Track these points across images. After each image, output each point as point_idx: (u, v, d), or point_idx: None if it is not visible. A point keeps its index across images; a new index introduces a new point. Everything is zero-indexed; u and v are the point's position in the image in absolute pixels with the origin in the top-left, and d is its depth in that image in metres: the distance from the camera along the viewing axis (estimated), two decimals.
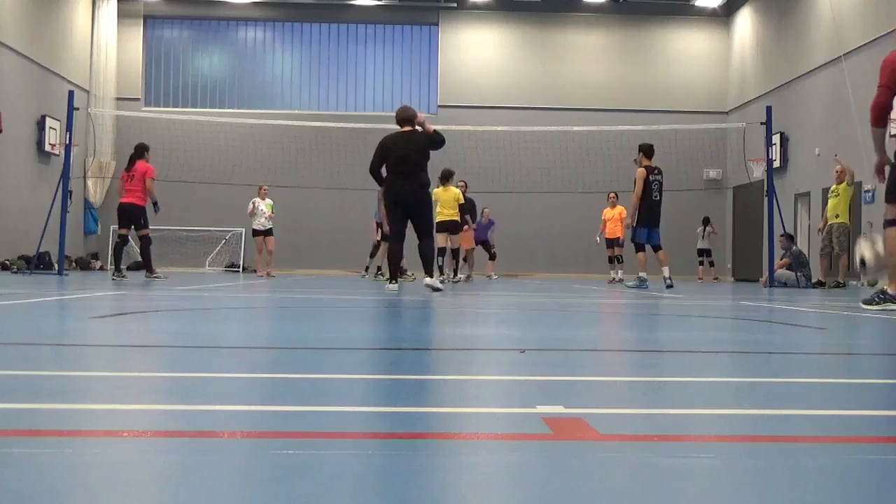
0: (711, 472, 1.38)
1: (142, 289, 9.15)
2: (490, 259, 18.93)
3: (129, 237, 12.64)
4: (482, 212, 18.56)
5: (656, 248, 12.61)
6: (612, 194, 18.17)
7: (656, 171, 12.40)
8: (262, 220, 17.83)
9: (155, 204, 12.38)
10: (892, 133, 17.47)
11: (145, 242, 12.41)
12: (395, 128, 9.07)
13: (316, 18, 26.60)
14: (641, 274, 12.52)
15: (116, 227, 12.93)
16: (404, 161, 8.99)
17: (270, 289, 10.22)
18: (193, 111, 24.85)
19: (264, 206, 17.96)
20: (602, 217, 18.37)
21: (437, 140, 9.14)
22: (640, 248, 12.52)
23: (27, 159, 21.52)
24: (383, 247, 15.29)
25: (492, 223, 19.01)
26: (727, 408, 2.07)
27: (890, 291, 6.48)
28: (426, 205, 9.32)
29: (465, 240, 16.50)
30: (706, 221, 23.23)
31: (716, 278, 22.77)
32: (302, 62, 26.67)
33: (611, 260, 17.97)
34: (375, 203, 15.30)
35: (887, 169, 6.56)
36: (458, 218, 14.71)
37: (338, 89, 26.62)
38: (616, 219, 17.75)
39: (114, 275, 12.25)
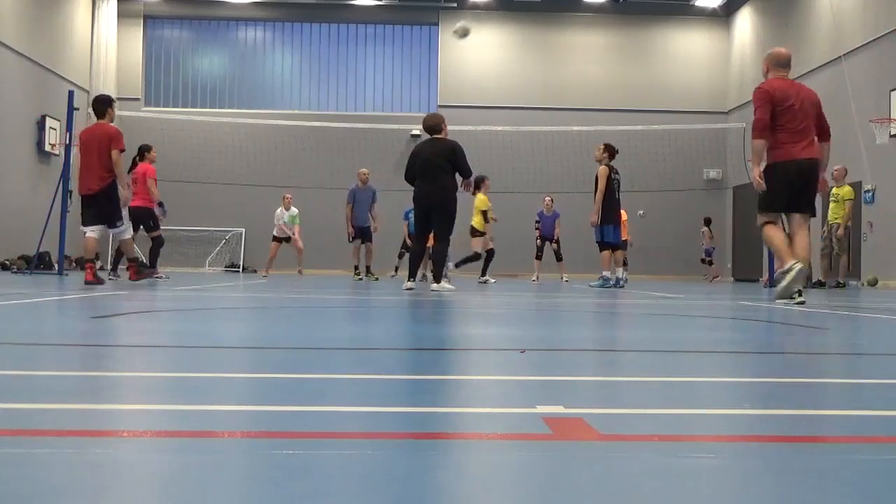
0: (711, 472, 1.38)
1: (141, 289, 9.14)
2: (558, 260, 17.99)
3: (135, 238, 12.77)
4: (545, 201, 17.98)
5: (615, 248, 12.84)
6: None
7: (615, 171, 12.68)
8: (284, 229, 17.67)
9: (160, 205, 12.45)
10: (892, 133, 17.55)
11: (157, 244, 12.50)
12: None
13: (316, 18, 26.61)
14: (606, 273, 12.62)
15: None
16: (428, 164, 9.50)
17: (270, 289, 10.22)
18: (193, 111, 24.87)
19: (287, 217, 17.66)
20: None
21: (464, 170, 9.71)
22: (605, 246, 12.62)
23: (27, 159, 21.52)
24: (366, 247, 15.86)
25: (557, 215, 17.97)
26: (727, 408, 2.07)
27: (782, 268, 7.29)
28: (447, 206, 9.58)
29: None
30: (708, 222, 23.26)
31: (716, 276, 22.81)
32: (302, 62, 26.67)
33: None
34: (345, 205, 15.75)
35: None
36: (478, 223, 15.45)
37: (338, 89, 26.62)
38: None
39: (110, 274, 12.32)
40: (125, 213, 10.20)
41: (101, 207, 9.65)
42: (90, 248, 9.83)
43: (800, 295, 7.19)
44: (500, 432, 1.65)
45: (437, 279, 9.67)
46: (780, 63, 7.59)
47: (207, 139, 23.64)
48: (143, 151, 12.64)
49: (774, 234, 7.41)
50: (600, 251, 12.69)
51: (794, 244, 7.36)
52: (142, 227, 12.50)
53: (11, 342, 3.35)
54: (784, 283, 7.18)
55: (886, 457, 1.51)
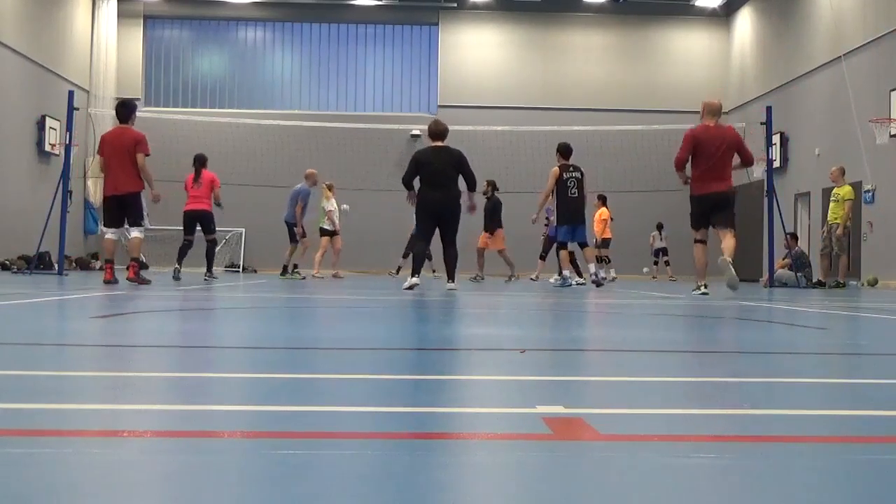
0: (711, 472, 1.38)
1: (142, 289, 9.15)
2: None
3: (193, 240, 13.29)
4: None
5: (582, 246, 12.81)
6: (596, 197, 17.81)
7: (572, 169, 12.53)
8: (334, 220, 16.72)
9: (219, 204, 13.26)
10: (892, 133, 17.55)
11: (213, 245, 13.55)
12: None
13: (316, 18, 26.60)
14: (565, 272, 12.69)
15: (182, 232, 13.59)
16: (439, 175, 9.83)
17: (269, 289, 10.23)
18: (193, 111, 24.84)
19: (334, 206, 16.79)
20: None
21: (471, 179, 10.08)
22: (562, 246, 12.69)
23: (27, 159, 21.52)
24: (292, 247, 15.51)
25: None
26: (727, 408, 2.07)
27: (698, 283, 9.59)
28: (457, 213, 9.98)
29: (497, 241, 16.44)
30: (660, 227, 23.41)
31: (673, 278, 22.85)
32: (302, 62, 26.66)
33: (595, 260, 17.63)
34: (291, 204, 15.41)
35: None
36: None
37: (338, 89, 26.61)
38: (599, 220, 17.51)
39: (206, 276, 13.09)
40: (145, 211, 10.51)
41: (129, 210, 10.01)
42: (110, 249, 10.24)
43: (706, 287, 9.51)
44: (500, 432, 1.65)
45: (452, 279, 9.98)
46: (711, 111, 9.72)
47: (207, 139, 23.57)
48: (205, 159, 13.22)
49: (699, 256, 9.56)
50: (557, 251, 12.87)
51: (723, 246, 9.38)
52: (200, 229, 13.16)
53: (11, 342, 3.35)
54: (695, 293, 9.44)
55: (886, 457, 1.51)
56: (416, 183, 10.06)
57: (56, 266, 15.05)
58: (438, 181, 9.82)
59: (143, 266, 11.32)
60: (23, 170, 21.21)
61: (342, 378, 2.43)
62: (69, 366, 2.76)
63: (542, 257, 17.93)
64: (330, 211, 16.58)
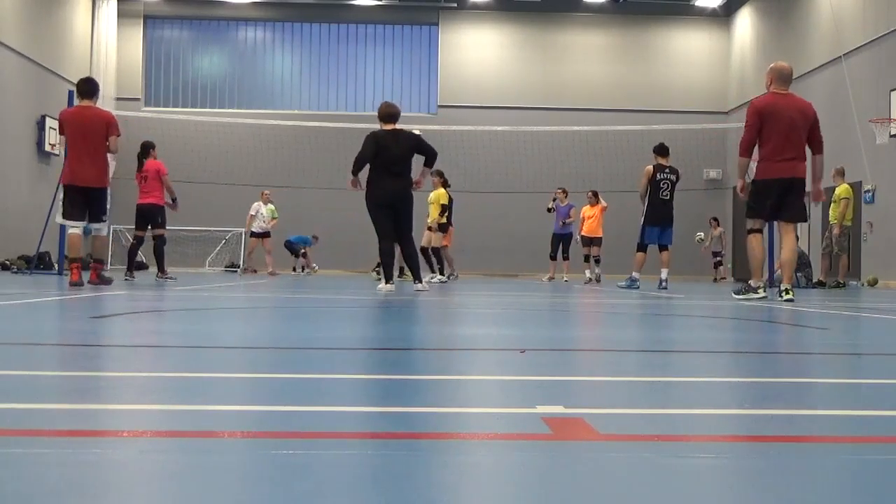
0: (711, 472, 1.38)
1: (142, 289, 9.14)
2: (564, 259, 17.45)
3: (144, 238, 12.75)
4: (556, 194, 17.35)
5: (662, 248, 12.32)
6: (590, 192, 17.48)
7: (668, 171, 12.13)
8: (262, 223, 19.26)
9: (174, 200, 12.45)
10: (892, 133, 17.55)
11: (160, 242, 12.34)
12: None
13: (316, 18, 26.60)
14: (634, 274, 12.20)
15: (122, 227, 13.13)
16: (398, 161, 8.89)
17: (270, 289, 10.22)
18: (193, 111, 24.85)
19: (265, 210, 19.19)
20: (581, 215, 17.40)
21: (430, 153, 9.14)
22: (641, 247, 12.23)
23: (27, 159, 21.52)
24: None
25: (571, 206, 17.18)
26: (727, 408, 2.07)
27: (752, 283, 8.22)
28: (411, 203, 9.11)
29: (447, 238, 16.10)
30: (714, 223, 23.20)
31: (723, 278, 22.73)
32: (302, 62, 26.66)
33: (587, 259, 17.18)
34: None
35: (748, 188, 8.28)
36: (436, 217, 15.56)
37: (338, 89, 26.61)
38: (595, 217, 17.19)
39: (126, 275, 12.20)
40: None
41: (94, 204, 9.13)
42: (77, 246, 9.33)
43: (763, 290, 8.25)
44: (500, 432, 1.65)
45: (419, 278, 9.30)
46: (782, 78, 8.02)
47: (207, 139, 23.63)
48: (150, 148, 12.58)
49: (755, 247, 8.18)
50: (636, 251, 12.33)
51: (782, 247, 8.14)
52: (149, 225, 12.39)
53: (11, 342, 3.35)
54: (743, 297, 8.21)
55: (886, 457, 1.51)
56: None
57: (56, 266, 15.04)
58: (396, 169, 8.84)
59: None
60: (23, 170, 21.21)
61: (342, 378, 2.43)
62: (69, 366, 2.76)
63: (553, 257, 17.78)
64: (262, 216, 19.32)
